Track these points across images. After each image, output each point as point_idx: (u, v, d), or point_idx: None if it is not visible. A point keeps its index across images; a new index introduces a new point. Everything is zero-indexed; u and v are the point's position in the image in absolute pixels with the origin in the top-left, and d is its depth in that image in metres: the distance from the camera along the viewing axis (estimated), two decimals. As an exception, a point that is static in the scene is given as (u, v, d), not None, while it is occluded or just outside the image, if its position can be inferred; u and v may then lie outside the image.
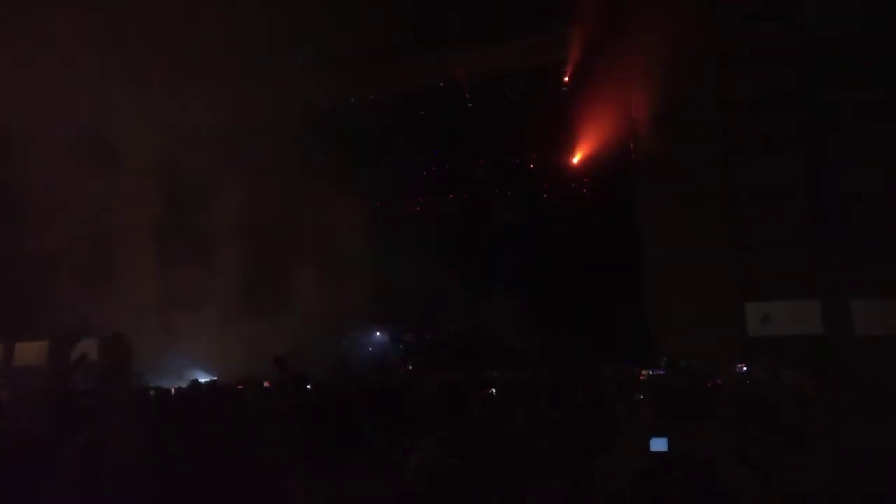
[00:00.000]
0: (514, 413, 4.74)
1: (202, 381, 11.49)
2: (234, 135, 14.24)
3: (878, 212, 13.26)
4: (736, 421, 4.67)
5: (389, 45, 15.82)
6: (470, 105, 17.55)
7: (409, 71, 17.25)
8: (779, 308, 14.22)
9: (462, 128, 17.54)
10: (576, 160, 16.79)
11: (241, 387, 7.83)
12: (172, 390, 7.97)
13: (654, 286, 15.21)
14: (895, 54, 13.16)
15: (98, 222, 14.26)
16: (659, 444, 2.05)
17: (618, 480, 2.05)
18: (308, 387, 6.42)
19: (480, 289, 15.82)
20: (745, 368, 10.51)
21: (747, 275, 14.40)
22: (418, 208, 18.04)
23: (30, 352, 16.00)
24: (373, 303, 15.81)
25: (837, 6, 13.76)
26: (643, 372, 10.70)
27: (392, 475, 3.05)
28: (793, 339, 13.57)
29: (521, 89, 16.90)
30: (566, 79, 16.54)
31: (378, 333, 18.56)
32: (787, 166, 14.31)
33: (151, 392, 7.29)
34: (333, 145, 14.62)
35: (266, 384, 7.30)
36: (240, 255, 14.76)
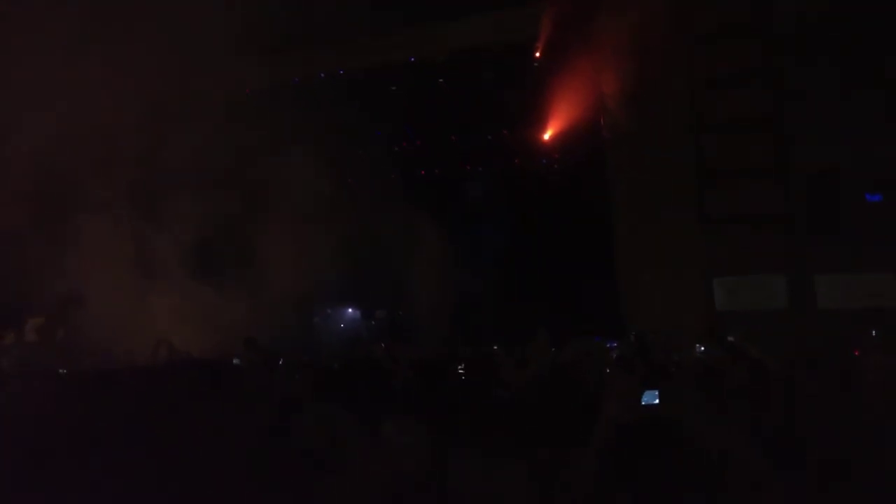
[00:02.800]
0: (487, 388, 4.77)
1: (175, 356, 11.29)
2: (208, 108, 13.89)
3: (844, 189, 13.50)
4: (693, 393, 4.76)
5: (359, 21, 15.58)
6: (441, 81, 17.40)
7: (379, 46, 17.04)
8: (746, 283, 14.44)
9: (433, 104, 17.41)
10: (546, 136, 16.78)
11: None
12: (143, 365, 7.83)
13: (623, 262, 15.34)
14: (865, 32, 13.30)
15: (51, 190, 13.75)
16: (650, 397, 2.04)
17: (604, 434, 2.03)
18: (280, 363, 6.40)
19: (452, 265, 15.83)
20: (702, 348, 10.62)
21: (715, 250, 14.57)
22: (389, 184, 17.89)
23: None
24: (344, 279, 15.76)
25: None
26: (613, 347, 10.80)
27: (366, 452, 3.05)
28: (759, 314, 13.80)
29: (492, 65, 16.77)
30: (537, 54, 16.45)
31: (350, 310, 18.55)
32: (756, 143, 14.45)
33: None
34: (303, 121, 14.42)
35: (235, 361, 7.25)
36: (207, 228, 14.55)
